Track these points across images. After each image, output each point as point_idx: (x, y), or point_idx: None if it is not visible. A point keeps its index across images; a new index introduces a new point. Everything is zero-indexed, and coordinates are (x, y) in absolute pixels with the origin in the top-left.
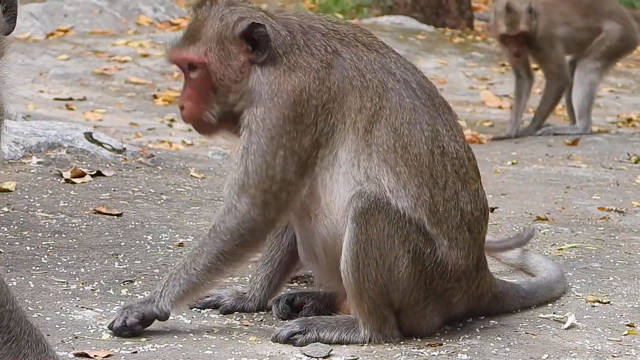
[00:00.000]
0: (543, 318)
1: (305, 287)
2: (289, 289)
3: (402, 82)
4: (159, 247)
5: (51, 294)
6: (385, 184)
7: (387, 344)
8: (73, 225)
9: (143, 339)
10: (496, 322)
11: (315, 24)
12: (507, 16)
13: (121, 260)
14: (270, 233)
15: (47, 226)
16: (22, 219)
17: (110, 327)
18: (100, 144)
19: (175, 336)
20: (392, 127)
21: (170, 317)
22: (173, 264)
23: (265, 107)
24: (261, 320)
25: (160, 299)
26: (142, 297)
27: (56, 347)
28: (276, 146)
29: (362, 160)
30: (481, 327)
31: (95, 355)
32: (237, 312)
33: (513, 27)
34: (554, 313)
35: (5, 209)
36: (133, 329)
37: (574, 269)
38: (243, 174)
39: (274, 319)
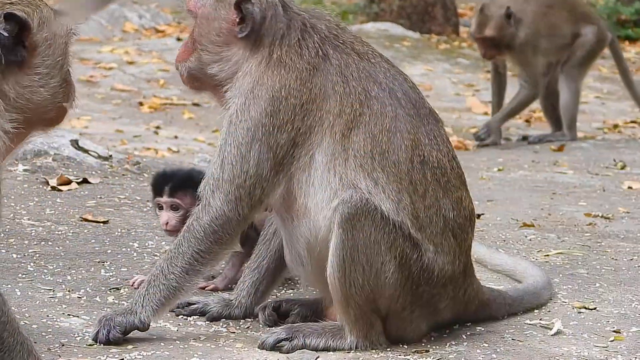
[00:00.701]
0: (530, 324)
1: (291, 294)
2: (274, 296)
3: (387, 91)
4: (145, 255)
5: (37, 302)
6: (363, 187)
7: (373, 350)
8: (59, 232)
9: (130, 346)
10: (483, 329)
11: (320, 26)
12: (478, 18)
13: (107, 267)
14: (242, 229)
15: (33, 234)
16: (8, 226)
17: (94, 340)
18: (86, 151)
19: (162, 343)
20: (371, 134)
21: (157, 324)
22: (151, 270)
23: (246, 98)
24: (248, 327)
25: (142, 310)
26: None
27: (43, 355)
28: (252, 138)
29: (338, 164)
30: (468, 333)
31: None
32: (224, 319)
33: (480, 30)
34: (540, 319)
35: None
36: (117, 342)
37: (561, 275)
38: (219, 168)
39: (261, 326)
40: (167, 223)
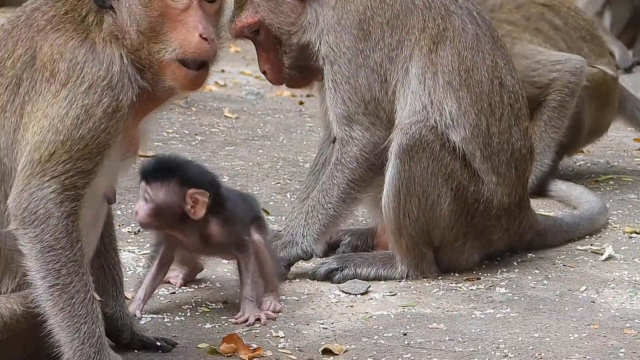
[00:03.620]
0: (580, 250)
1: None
2: None
3: (464, 9)
4: None
5: None
6: (447, 109)
7: (424, 279)
8: None
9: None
10: (534, 255)
11: None
12: None
13: None
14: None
15: None
16: None
17: None
18: None
19: (213, 276)
20: (456, 50)
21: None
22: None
23: (335, 33)
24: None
25: (304, 240)
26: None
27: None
28: (355, 68)
29: (428, 78)
30: (519, 260)
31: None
32: None
33: None
34: (591, 245)
35: None
36: (284, 277)
37: (611, 200)
38: (342, 105)
39: None
40: (136, 213)
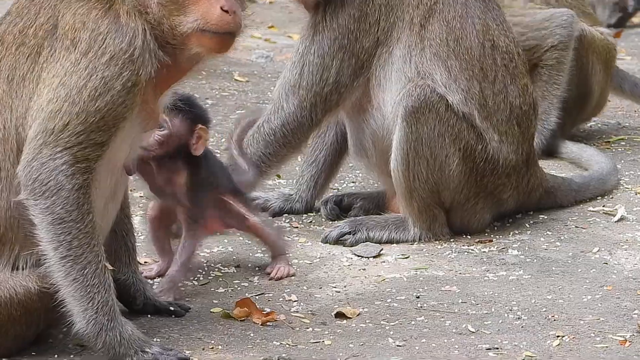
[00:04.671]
0: (593, 211)
1: (353, 187)
2: (335, 190)
3: None
4: None
5: None
6: (438, 78)
7: (437, 241)
8: None
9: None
10: (546, 217)
11: None
12: None
13: None
14: (313, 134)
15: None
16: None
17: None
18: None
19: (225, 240)
20: (445, 21)
21: None
22: None
23: (335, 5)
24: (310, 221)
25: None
26: None
27: None
28: (337, 47)
29: (415, 55)
30: (531, 222)
31: None
32: (286, 215)
33: None
34: (603, 206)
35: None
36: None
37: (622, 161)
38: (297, 75)
39: (323, 220)
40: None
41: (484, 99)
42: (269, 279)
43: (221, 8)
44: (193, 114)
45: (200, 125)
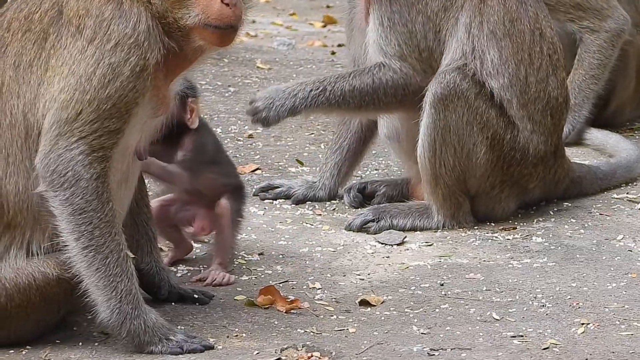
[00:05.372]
0: (617, 199)
1: (376, 175)
2: (358, 177)
3: None
4: (228, 139)
5: None
6: (489, 58)
7: (461, 229)
8: None
9: None
10: (570, 204)
11: None
12: None
13: None
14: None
15: None
16: None
17: None
18: None
19: (248, 227)
20: (503, 0)
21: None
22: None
23: None
24: (333, 209)
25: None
26: None
27: None
28: (416, 13)
29: (474, 27)
30: (555, 209)
31: None
32: (309, 202)
33: None
34: (627, 193)
35: None
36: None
37: None
38: (397, 47)
39: (347, 207)
40: None
41: (527, 85)
42: (205, 285)
43: (221, 1)
44: (183, 90)
45: (190, 99)
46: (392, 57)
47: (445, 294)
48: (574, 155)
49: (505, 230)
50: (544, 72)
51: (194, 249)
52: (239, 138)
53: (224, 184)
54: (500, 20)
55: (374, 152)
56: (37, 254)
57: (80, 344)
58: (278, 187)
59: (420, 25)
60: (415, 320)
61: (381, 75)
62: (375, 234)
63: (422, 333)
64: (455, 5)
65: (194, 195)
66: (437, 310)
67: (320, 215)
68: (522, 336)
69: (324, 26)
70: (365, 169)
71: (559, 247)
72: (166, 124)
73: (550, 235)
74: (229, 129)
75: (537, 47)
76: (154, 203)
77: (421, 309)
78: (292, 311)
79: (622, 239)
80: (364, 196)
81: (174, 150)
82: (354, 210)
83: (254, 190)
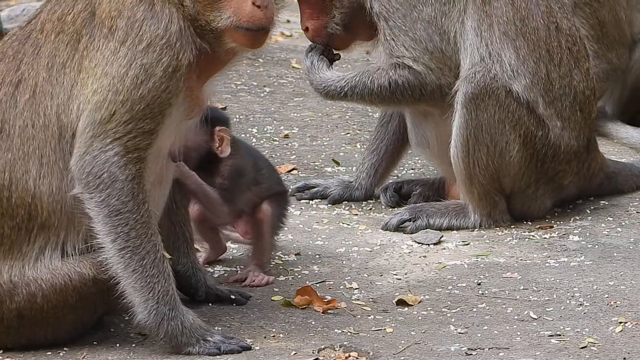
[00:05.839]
0: None
1: (412, 174)
2: (394, 177)
3: None
4: (264, 140)
5: None
6: (506, 60)
7: (497, 228)
8: None
9: None
10: (607, 203)
11: None
12: None
13: None
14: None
15: None
16: None
17: None
18: None
19: (285, 228)
20: (510, 0)
21: None
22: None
23: None
24: (370, 209)
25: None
26: None
27: None
28: (412, 22)
29: (484, 30)
30: (591, 208)
31: None
32: (346, 202)
33: None
34: None
35: None
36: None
37: None
38: (406, 51)
39: (383, 207)
40: None
41: (550, 82)
42: (242, 285)
43: (253, 3)
44: (211, 119)
45: (218, 127)
46: (404, 58)
47: (483, 294)
48: (610, 153)
49: (542, 229)
50: (565, 66)
51: (230, 250)
52: (275, 138)
53: (265, 197)
54: (510, 21)
55: (410, 151)
56: (72, 255)
57: (118, 345)
58: (314, 187)
59: (421, 31)
60: (453, 319)
61: (396, 77)
62: (412, 233)
63: (459, 333)
64: (457, 9)
65: (235, 212)
66: (474, 309)
67: (356, 215)
68: (559, 335)
69: None
70: (402, 168)
71: (596, 246)
72: (198, 153)
73: (587, 234)
74: (265, 129)
75: (555, 41)
76: (196, 205)
77: (458, 309)
78: (329, 311)
79: None
80: (400, 195)
81: (210, 178)
82: (390, 209)
83: (290, 190)
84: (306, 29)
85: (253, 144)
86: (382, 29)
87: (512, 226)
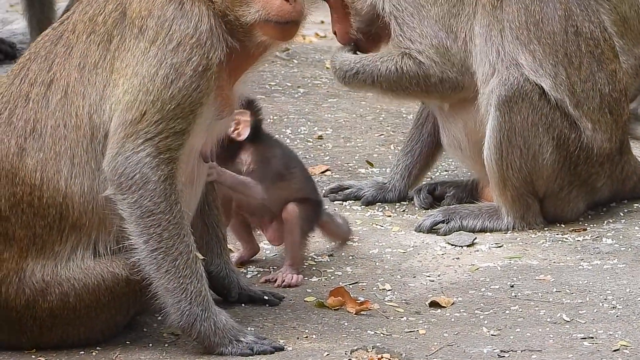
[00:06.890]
0: None
1: (446, 176)
2: (428, 179)
3: None
4: (298, 141)
5: None
6: (523, 62)
7: (530, 230)
8: None
9: None
10: None
11: None
12: None
13: None
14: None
15: None
16: None
17: None
18: None
19: (318, 230)
20: (523, 4)
21: None
22: None
23: None
24: (403, 210)
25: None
26: None
27: None
28: (419, 19)
29: (494, 36)
30: (625, 210)
31: None
32: (379, 203)
33: None
34: None
35: None
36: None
37: None
38: (412, 44)
39: (416, 209)
40: None
41: (572, 86)
42: (275, 286)
43: None
44: None
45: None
46: (410, 50)
47: (516, 296)
48: None
49: (575, 231)
50: (586, 69)
51: (263, 250)
52: (309, 139)
53: (294, 198)
54: (522, 25)
55: (443, 152)
56: (105, 255)
57: (151, 345)
58: (348, 189)
59: (428, 28)
60: (486, 321)
61: (402, 64)
62: (445, 235)
63: (492, 335)
64: (465, 12)
65: (262, 211)
66: (507, 311)
67: (390, 216)
68: (592, 338)
69: None
70: (435, 170)
71: (630, 249)
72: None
73: (621, 237)
74: (299, 130)
75: (573, 46)
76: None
77: (491, 311)
78: (362, 312)
79: None
80: (434, 197)
81: (233, 165)
82: (423, 211)
83: (323, 191)
84: (335, 32)
85: (287, 144)
86: (393, 27)
87: (545, 229)
